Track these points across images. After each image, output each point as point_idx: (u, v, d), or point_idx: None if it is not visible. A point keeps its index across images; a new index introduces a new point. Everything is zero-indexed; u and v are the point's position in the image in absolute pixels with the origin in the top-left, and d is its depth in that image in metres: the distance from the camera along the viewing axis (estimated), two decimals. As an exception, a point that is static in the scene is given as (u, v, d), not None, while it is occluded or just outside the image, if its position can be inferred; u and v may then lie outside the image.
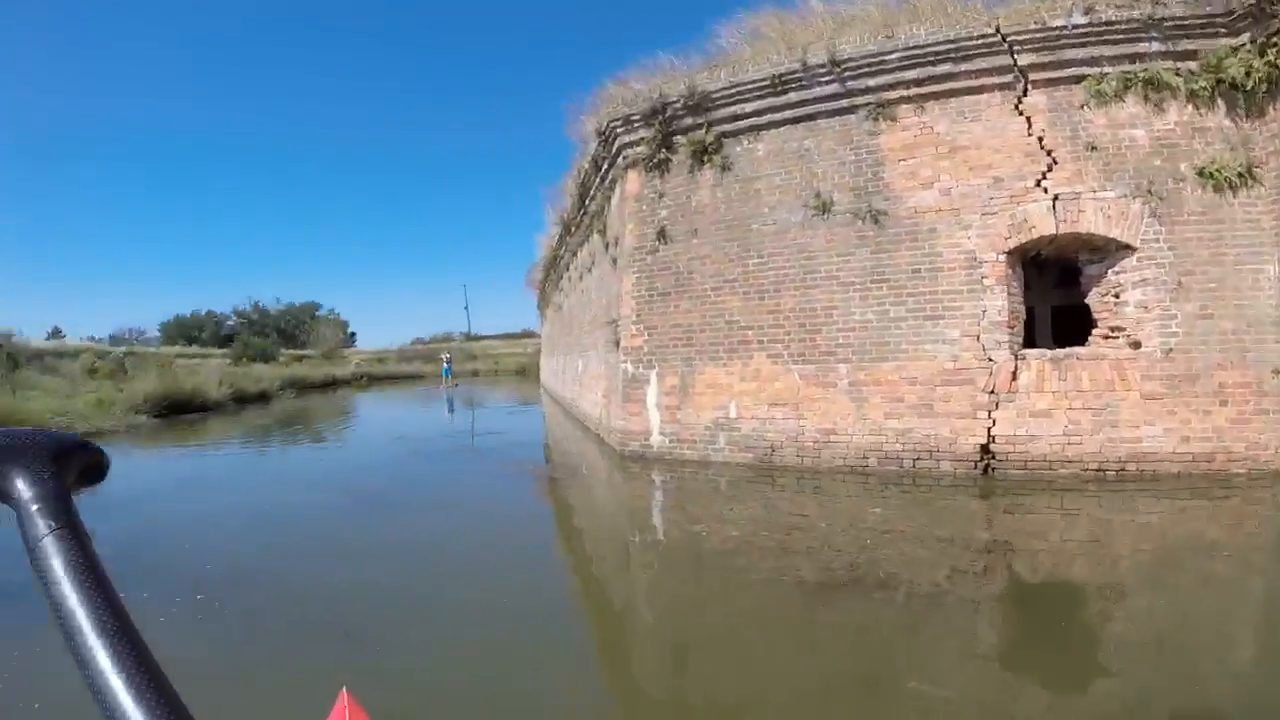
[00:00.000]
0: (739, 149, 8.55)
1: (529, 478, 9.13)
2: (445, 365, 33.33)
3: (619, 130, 9.16)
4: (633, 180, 9.20)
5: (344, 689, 1.60)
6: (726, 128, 8.58)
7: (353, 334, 64.54)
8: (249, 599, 4.37)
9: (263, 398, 24.51)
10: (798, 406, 7.85)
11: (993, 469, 6.94)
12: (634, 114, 8.93)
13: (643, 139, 8.95)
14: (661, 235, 8.91)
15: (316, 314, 62.64)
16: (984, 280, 7.12)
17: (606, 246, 10.90)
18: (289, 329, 58.91)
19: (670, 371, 8.73)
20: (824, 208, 7.86)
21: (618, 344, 9.45)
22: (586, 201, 12.50)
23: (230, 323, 60.76)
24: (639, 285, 9.05)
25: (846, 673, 3.25)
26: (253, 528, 6.35)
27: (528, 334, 64.27)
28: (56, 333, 40.59)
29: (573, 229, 14.84)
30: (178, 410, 17.54)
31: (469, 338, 65.50)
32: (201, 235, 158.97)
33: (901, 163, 7.54)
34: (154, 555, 5.40)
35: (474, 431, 15.30)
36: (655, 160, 8.90)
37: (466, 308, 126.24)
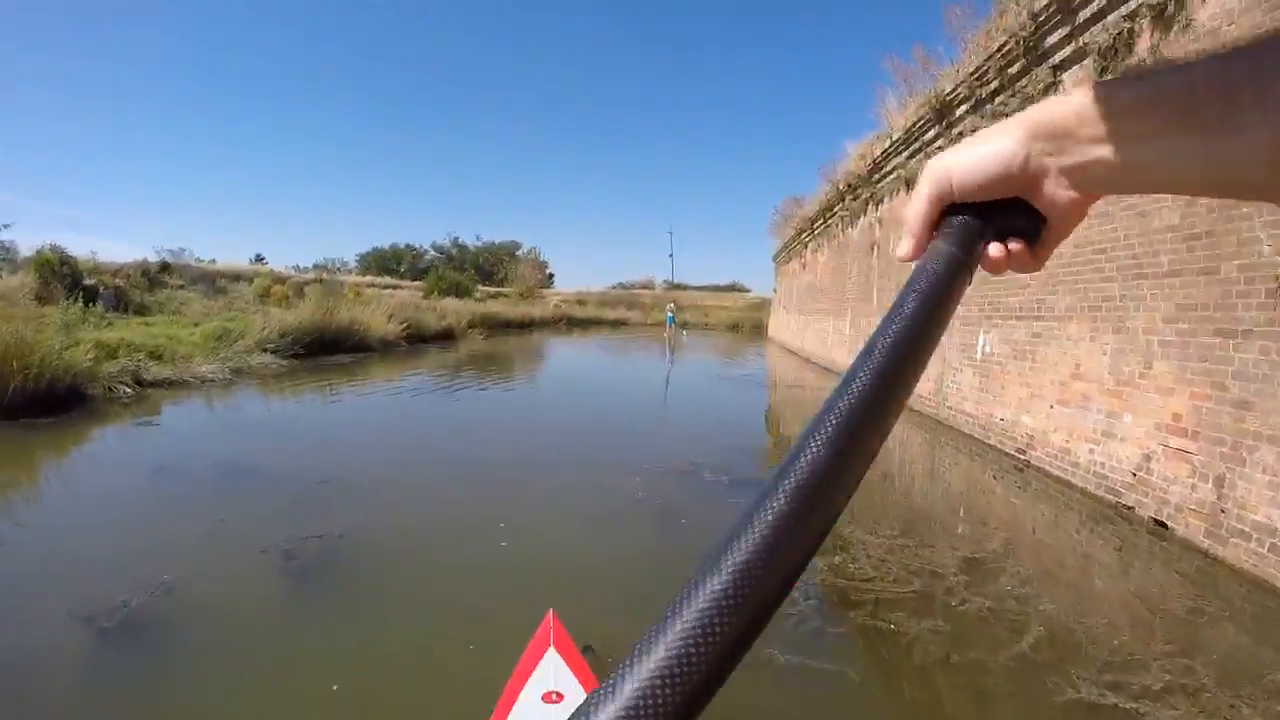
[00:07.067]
0: None
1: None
2: (669, 314, 33.00)
3: None
4: None
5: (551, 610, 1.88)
6: None
7: (550, 275, 60.79)
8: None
9: (447, 336, 20.66)
10: None
11: None
12: None
13: None
14: None
15: (517, 253, 59.78)
16: None
17: None
18: (488, 266, 57.16)
19: None
20: None
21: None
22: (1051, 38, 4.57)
23: (428, 257, 59.59)
24: None
25: None
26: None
27: (735, 288, 58.42)
28: (259, 259, 39.72)
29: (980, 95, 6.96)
30: (329, 349, 13.74)
31: (672, 286, 59.94)
32: (407, 170, 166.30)
33: None
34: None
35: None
36: None
37: (671, 255, 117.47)
